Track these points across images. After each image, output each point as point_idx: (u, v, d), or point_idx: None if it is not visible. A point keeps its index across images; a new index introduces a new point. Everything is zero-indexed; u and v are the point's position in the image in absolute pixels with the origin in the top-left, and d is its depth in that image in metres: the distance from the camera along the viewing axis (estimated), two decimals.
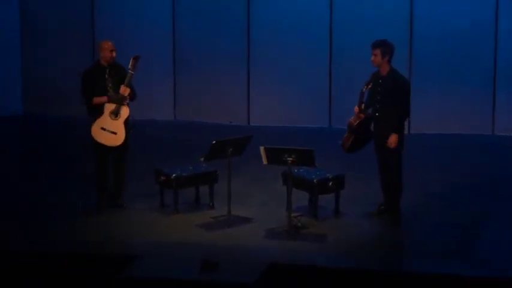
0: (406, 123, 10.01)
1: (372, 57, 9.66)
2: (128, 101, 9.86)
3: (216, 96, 14.49)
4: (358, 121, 9.76)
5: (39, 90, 14.83)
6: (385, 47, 9.59)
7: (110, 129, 9.73)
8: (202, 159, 9.56)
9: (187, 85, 14.71)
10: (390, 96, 9.57)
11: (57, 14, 14.70)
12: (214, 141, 9.45)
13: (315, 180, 9.61)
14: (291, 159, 9.08)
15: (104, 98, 9.73)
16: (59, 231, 9.34)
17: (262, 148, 9.25)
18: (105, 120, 9.73)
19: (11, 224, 9.51)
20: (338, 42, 13.98)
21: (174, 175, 9.84)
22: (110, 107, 9.73)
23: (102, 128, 9.71)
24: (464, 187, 10.99)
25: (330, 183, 9.72)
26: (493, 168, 11.93)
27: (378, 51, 9.60)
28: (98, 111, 9.72)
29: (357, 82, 13.76)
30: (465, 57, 13.63)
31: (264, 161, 9.28)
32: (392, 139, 9.54)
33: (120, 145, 9.79)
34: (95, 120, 9.75)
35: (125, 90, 9.80)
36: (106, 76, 9.83)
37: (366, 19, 13.73)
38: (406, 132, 13.08)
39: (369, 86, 9.69)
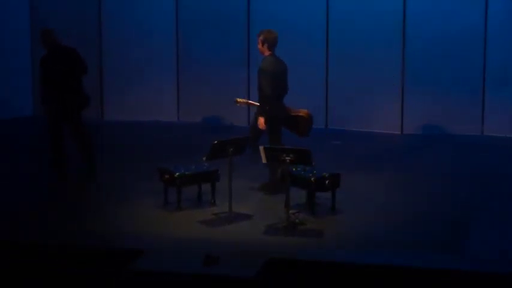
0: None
1: (258, 46, 10.51)
2: None
3: (218, 98, 14.55)
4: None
5: None
6: (263, 36, 10.40)
7: None
8: (204, 158, 9.64)
9: (190, 87, 14.77)
10: (258, 79, 10.36)
11: (66, 17, 14.66)
12: (215, 141, 9.56)
13: (312, 179, 9.72)
14: (289, 158, 9.16)
15: None
16: (66, 225, 9.45)
17: (261, 148, 9.33)
18: None
19: (19, 218, 9.66)
20: (334, 43, 14.02)
21: (177, 174, 9.94)
22: None
23: None
24: (455, 186, 11.07)
25: (327, 182, 9.79)
26: (483, 167, 11.99)
27: (259, 40, 10.41)
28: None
29: (353, 84, 14.10)
30: (455, 59, 13.65)
31: (264, 160, 9.36)
32: (259, 122, 10.30)
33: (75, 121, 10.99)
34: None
35: None
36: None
37: (361, 22, 13.79)
38: (398, 131, 13.31)
39: None
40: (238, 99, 10.94)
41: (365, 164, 11.92)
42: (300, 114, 10.66)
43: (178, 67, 14.82)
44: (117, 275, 8.25)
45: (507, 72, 13.57)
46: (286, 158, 9.20)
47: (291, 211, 9.42)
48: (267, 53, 10.42)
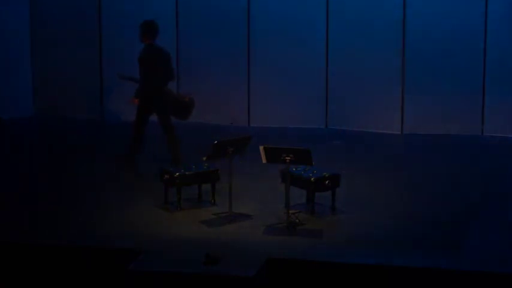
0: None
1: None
2: None
3: (218, 99, 14.50)
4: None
5: (49, 92, 14.81)
6: (139, 28, 11.34)
7: None
8: (204, 158, 9.69)
9: (190, 88, 14.91)
10: None
11: (66, 17, 14.69)
12: (215, 142, 9.59)
13: (312, 179, 9.76)
14: (289, 158, 9.19)
15: None
16: (67, 225, 9.48)
17: (261, 148, 9.34)
18: None
19: (19, 218, 9.68)
20: (334, 43, 13.98)
21: (177, 174, 9.98)
22: None
23: None
24: (455, 186, 11.07)
25: (327, 181, 9.82)
26: (483, 167, 11.95)
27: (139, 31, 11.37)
28: None
29: (354, 84, 14.10)
30: (455, 59, 13.58)
31: (264, 160, 9.37)
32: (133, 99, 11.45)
33: None
34: None
35: None
36: None
37: (361, 21, 13.76)
38: (398, 131, 13.37)
39: None
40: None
41: (365, 164, 11.92)
42: (185, 99, 11.72)
43: (178, 67, 14.80)
44: (117, 275, 8.29)
45: (507, 73, 13.56)
46: (286, 158, 9.23)
47: (290, 211, 9.45)
48: (146, 41, 11.28)
